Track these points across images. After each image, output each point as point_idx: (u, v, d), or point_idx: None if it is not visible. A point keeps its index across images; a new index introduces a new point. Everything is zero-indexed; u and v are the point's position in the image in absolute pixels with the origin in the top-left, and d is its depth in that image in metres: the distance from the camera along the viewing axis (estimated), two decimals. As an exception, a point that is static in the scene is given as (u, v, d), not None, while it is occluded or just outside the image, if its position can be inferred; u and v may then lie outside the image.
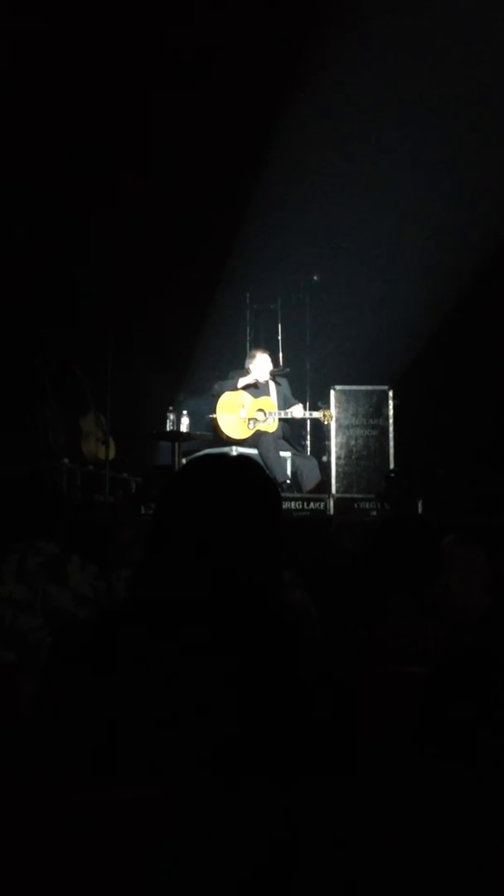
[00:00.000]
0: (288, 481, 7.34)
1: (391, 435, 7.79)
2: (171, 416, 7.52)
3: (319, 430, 8.25)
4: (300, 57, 8.01)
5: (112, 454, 7.48)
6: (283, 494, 7.12)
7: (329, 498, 7.44)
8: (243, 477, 1.49)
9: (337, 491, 7.61)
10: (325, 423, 7.72)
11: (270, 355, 7.82)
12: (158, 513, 1.49)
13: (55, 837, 1.25)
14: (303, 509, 7.17)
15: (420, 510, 7.00)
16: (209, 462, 1.54)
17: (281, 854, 1.28)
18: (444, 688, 1.77)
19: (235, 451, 7.25)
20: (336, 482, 7.66)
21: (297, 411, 7.54)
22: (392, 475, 7.23)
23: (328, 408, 7.72)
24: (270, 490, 1.53)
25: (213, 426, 7.52)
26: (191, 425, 7.55)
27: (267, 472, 1.59)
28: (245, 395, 7.47)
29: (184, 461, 7.54)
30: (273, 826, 1.29)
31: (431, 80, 8.06)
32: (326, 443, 7.88)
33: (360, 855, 1.32)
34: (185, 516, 1.45)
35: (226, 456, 1.59)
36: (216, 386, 7.56)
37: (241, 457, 1.62)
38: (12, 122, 7.49)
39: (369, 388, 7.90)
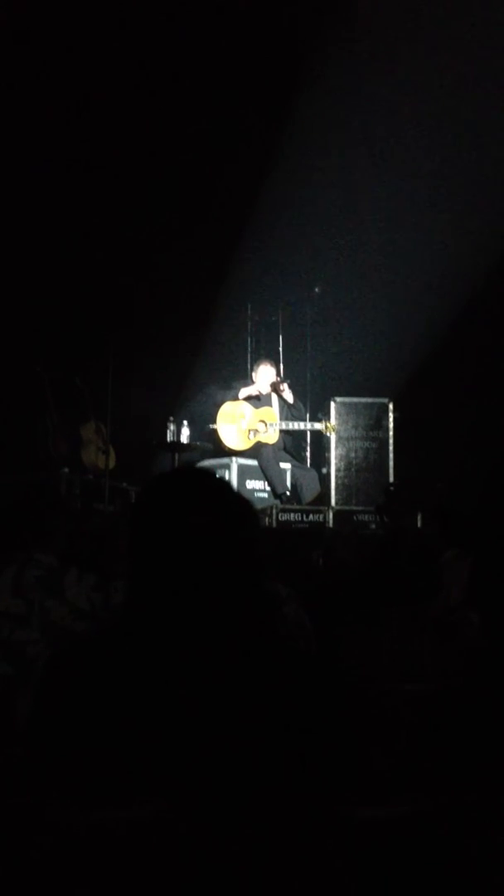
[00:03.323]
0: (287, 493, 7.33)
1: (391, 447, 7.78)
2: (172, 427, 7.53)
3: (319, 441, 8.25)
4: (302, 69, 8.04)
5: (112, 463, 7.47)
6: (282, 506, 7.12)
7: (328, 510, 7.43)
8: (208, 492, 1.50)
9: (336, 503, 7.60)
10: (328, 434, 7.71)
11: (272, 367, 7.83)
12: (131, 539, 1.49)
13: (51, 856, 1.25)
14: (302, 521, 7.16)
15: (419, 524, 6.99)
16: (171, 483, 1.54)
17: (282, 869, 1.28)
18: (448, 704, 1.77)
19: (235, 461, 7.26)
20: (336, 494, 7.65)
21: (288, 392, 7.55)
22: (392, 488, 7.22)
23: (329, 419, 7.72)
24: (235, 501, 1.52)
25: (214, 437, 7.52)
26: (191, 436, 7.56)
27: (232, 489, 1.58)
28: (246, 405, 7.48)
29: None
30: (273, 842, 1.29)
31: (435, 92, 8.08)
32: (326, 454, 7.87)
33: (362, 871, 1.32)
34: (155, 538, 1.45)
35: (186, 473, 1.59)
36: (218, 396, 7.56)
37: (201, 472, 1.64)
38: (14, 121, 7.52)
39: (370, 400, 7.90)
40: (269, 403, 7.57)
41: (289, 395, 7.58)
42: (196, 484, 1.52)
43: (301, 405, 7.83)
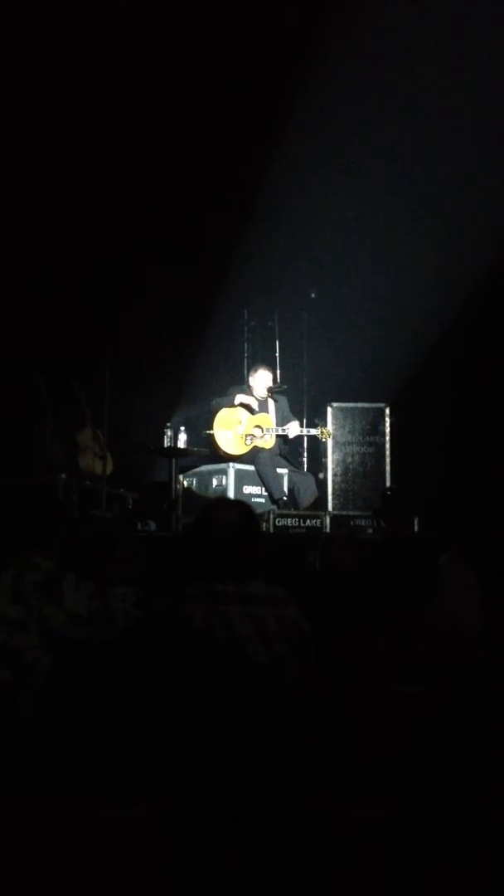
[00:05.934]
0: (285, 498, 7.34)
1: (388, 452, 7.80)
2: (169, 432, 7.54)
3: (316, 446, 8.26)
4: (299, 72, 8.06)
5: (109, 469, 7.47)
6: (279, 511, 7.13)
7: (325, 515, 7.44)
8: None
9: (333, 508, 7.61)
10: (324, 440, 7.71)
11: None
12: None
13: (53, 853, 1.26)
14: (299, 526, 7.16)
15: (416, 528, 7.00)
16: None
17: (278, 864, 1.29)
18: (445, 706, 1.78)
19: (232, 467, 7.26)
20: (333, 499, 7.66)
21: (293, 429, 7.54)
22: (388, 493, 7.24)
23: (325, 425, 7.72)
24: None
25: (210, 442, 7.53)
26: (188, 441, 7.56)
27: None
28: (242, 411, 7.49)
29: (182, 477, 7.54)
30: (268, 837, 1.29)
31: (433, 98, 8.11)
32: (323, 460, 7.89)
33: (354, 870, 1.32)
34: None
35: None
36: (214, 402, 7.57)
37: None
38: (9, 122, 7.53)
39: (366, 405, 7.92)
40: (266, 409, 7.58)
41: (294, 430, 7.54)
42: None
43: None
